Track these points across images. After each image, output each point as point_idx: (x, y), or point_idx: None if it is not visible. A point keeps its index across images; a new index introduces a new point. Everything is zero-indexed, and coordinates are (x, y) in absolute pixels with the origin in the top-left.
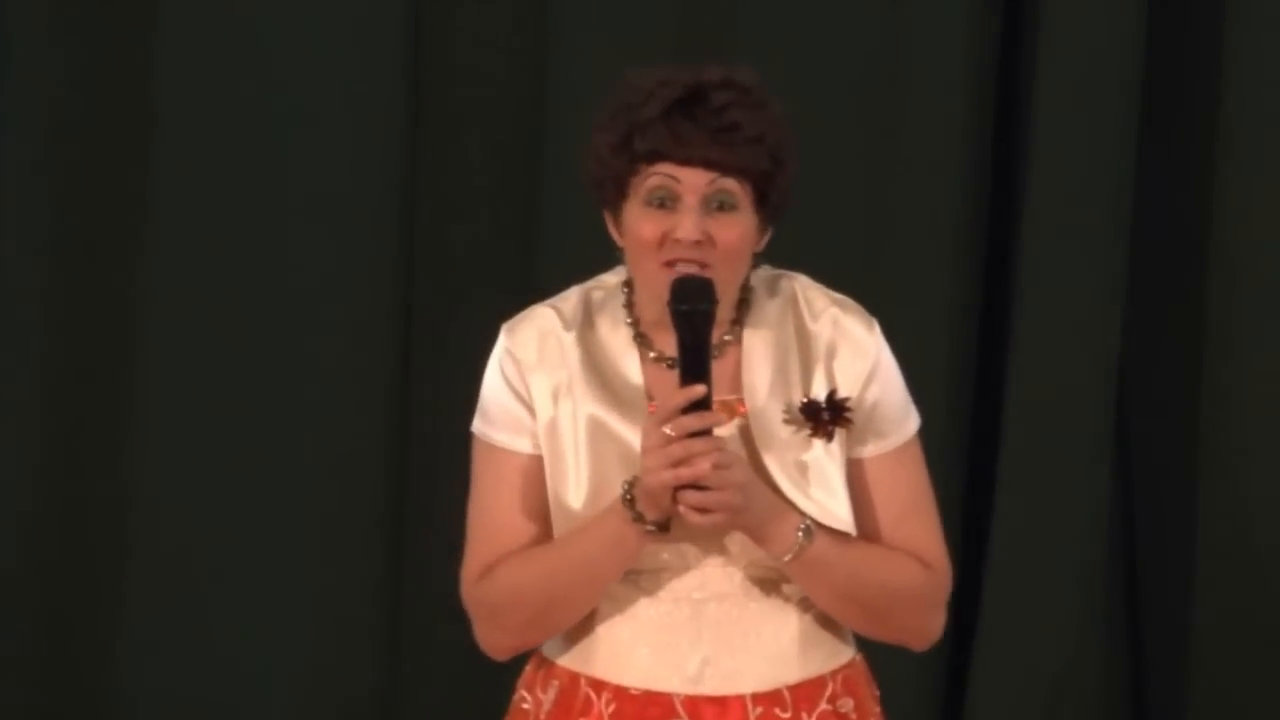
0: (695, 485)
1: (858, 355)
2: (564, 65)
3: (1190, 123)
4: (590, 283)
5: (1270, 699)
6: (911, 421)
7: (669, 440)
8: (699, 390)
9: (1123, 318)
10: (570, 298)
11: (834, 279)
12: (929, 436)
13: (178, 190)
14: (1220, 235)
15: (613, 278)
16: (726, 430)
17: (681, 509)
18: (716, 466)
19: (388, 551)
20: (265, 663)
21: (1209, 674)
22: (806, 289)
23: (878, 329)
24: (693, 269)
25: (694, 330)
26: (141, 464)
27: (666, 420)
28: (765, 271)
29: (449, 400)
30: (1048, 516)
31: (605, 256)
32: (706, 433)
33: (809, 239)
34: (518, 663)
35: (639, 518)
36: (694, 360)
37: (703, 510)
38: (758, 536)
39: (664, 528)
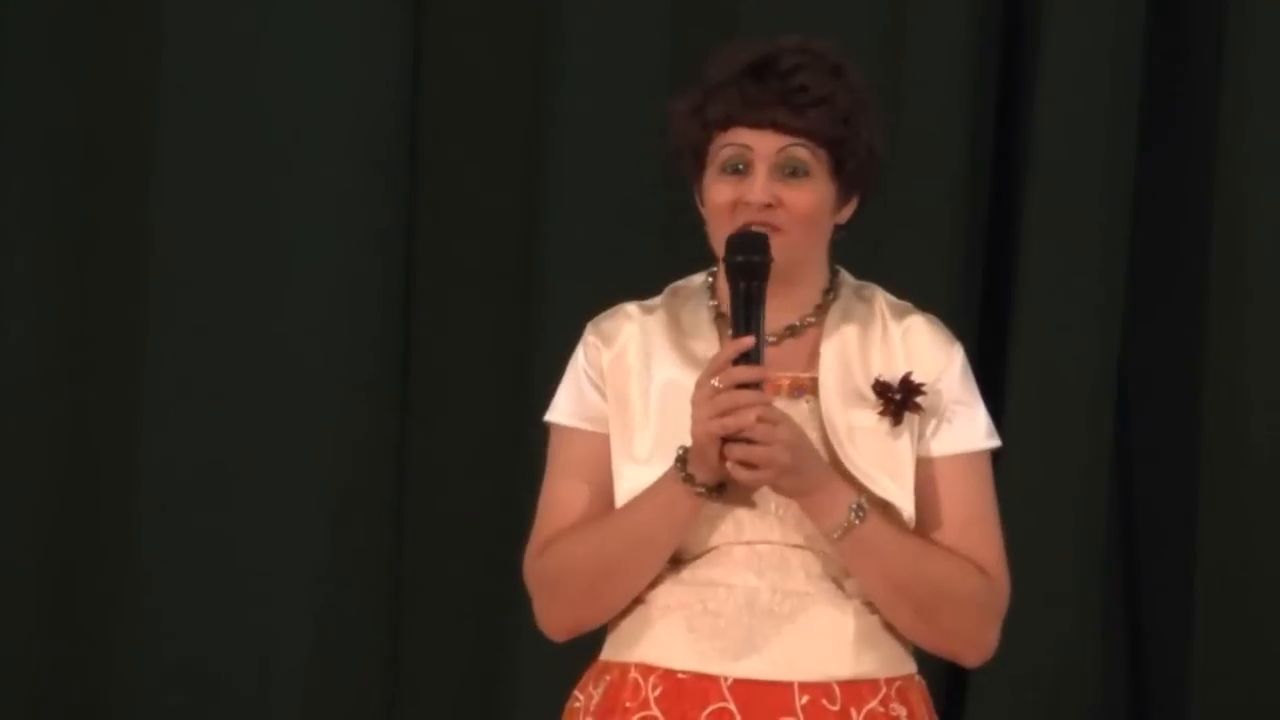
0: (743, 439)
1: (937, 356)
2: (564, 65)
3: (1190, 123)
4: (678, 282)
5: (1271, 699)
6: (988, 436)
7: (716, 392)
8: (747, 341)
9: (1123, 318)
10: (657, 297)
11: None
12: None
13: (178, 190)
14: (1221, 235)
15: (698, 277)
16: (797, 409)
17: (728, 464)
18: (763, 420)
19: (388, 551)
20: (265, 662)
21: (1209, 674)
22: (892, 301)
23: (960, 348)
24: (764, 232)
25: (746, 280)
26: (142, 463)
27: (715, 373)
28: (851, 278)
29: (449, 400)
30: (1047, 516)
31: (606, 257)
32: (756, 387)
33: None
34: (517, 666)
35: (689, 478)
36: (746, 312)
37: (748, 464)
38: (806, 506)
39: (716, 490)
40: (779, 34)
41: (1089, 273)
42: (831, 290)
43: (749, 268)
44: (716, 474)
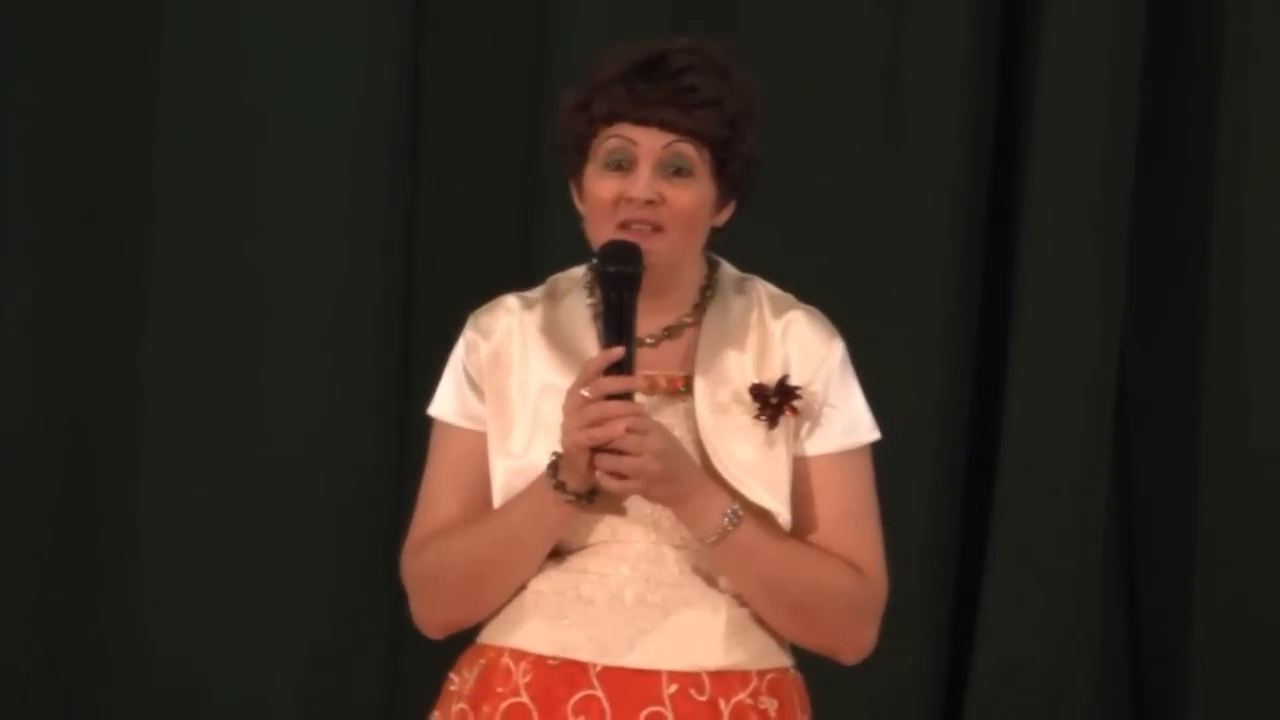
0: (614, 450)
1: (815, 355)
2: (564, 65)
3: (1190, 123)
4: (559, 274)
5: (1271, 699)
6: (866, 433)
7: (586, 402)
8: (617, 352)
9: (1123, 318)
10: (538, 289)
11: (833, 279)
12: (930, 440)
13: (179, 190)
14: (1221, 235)
15: (579, 269)
16: (673, 409)
17: (598, 474)
18: (633, 431)
19: (387, 551)
20: (265, 662)
21: (1209, 674)
22: (773, 293)
23: (840, 341)
24: (646, 228)
25: (618, 291)
26: (142, 463)
27: (585, 383)
28: (732, 270)
29: None
30: (1047, 517)
31: None
32: (627, 397)
33: (808, 239)
34: None
35: (560, 485)
36: (616, 323)
37: (618, 475)
38: (680, 513)
39: (586, 498)
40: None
41: (1089, 273)
42: (710, 287)
43: (620, 278)
44: (587, 482)
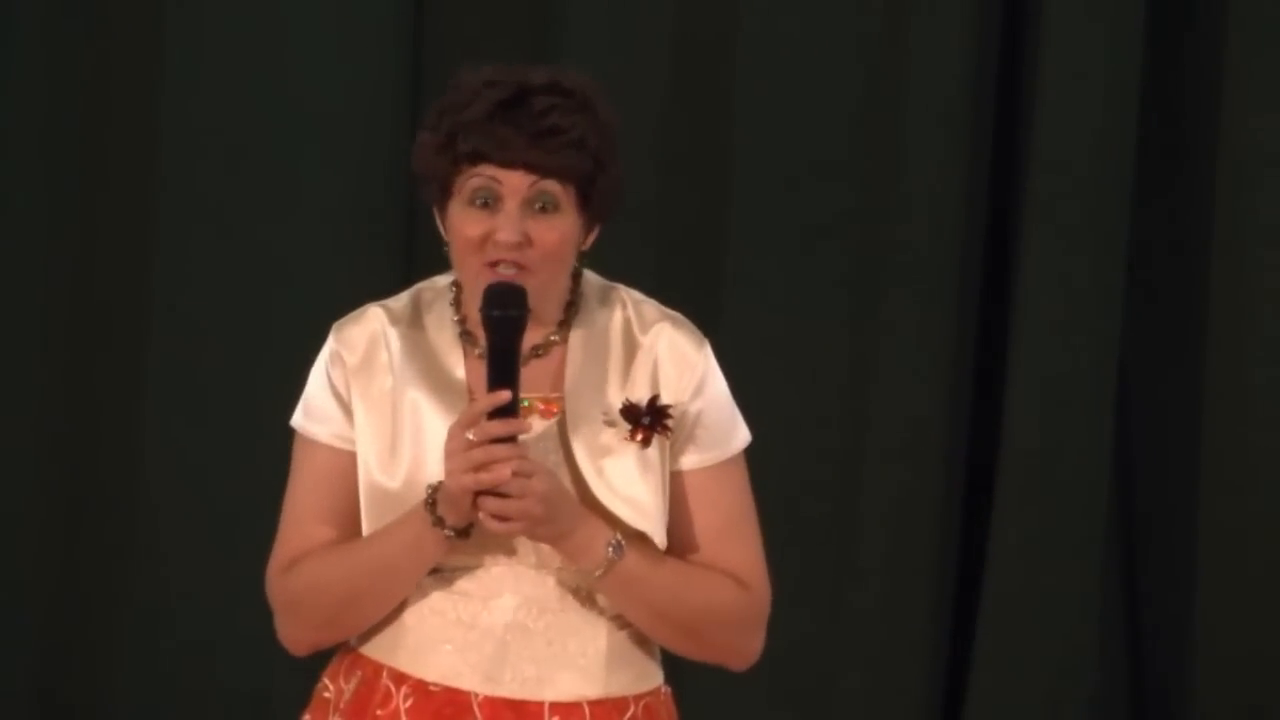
0: (497, 492)
1: (684, 368)
2: (565, 66)
3: (1191, 123)
4: (423, 283)
5: (1271, 699)
6: (737, 440)
7: (471, 445)
8: (504, 396)
9: (1123, 318)
10: (402, 297)
11: (833, 279)
12: (930, 438)
13: (180, 190)
14: (1221, 235)
15: (444, 278)
16: (543, 428)
17: (481, 515)
18: (518, 474)
19: None
20: (265, 662)
21: (1209, 674)
22: (638, 303)
23: (708, 348)
24: (512, 271)
25: (503, 336)
26: (143, 463)
27: (470, 424)
28: (596, 280)
29: None
30: (1048, 517)
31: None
32: (511, 439)
33: (809, 239)
34: None
35: (439, 521)
36: (502, 366)
37: (502, 518)
38: (563, 549)
39: (464, 533)
40: (530, 66)
41: (1089, 273)
42: (574, 302)
43: (506, 323)
44: (467, 519)
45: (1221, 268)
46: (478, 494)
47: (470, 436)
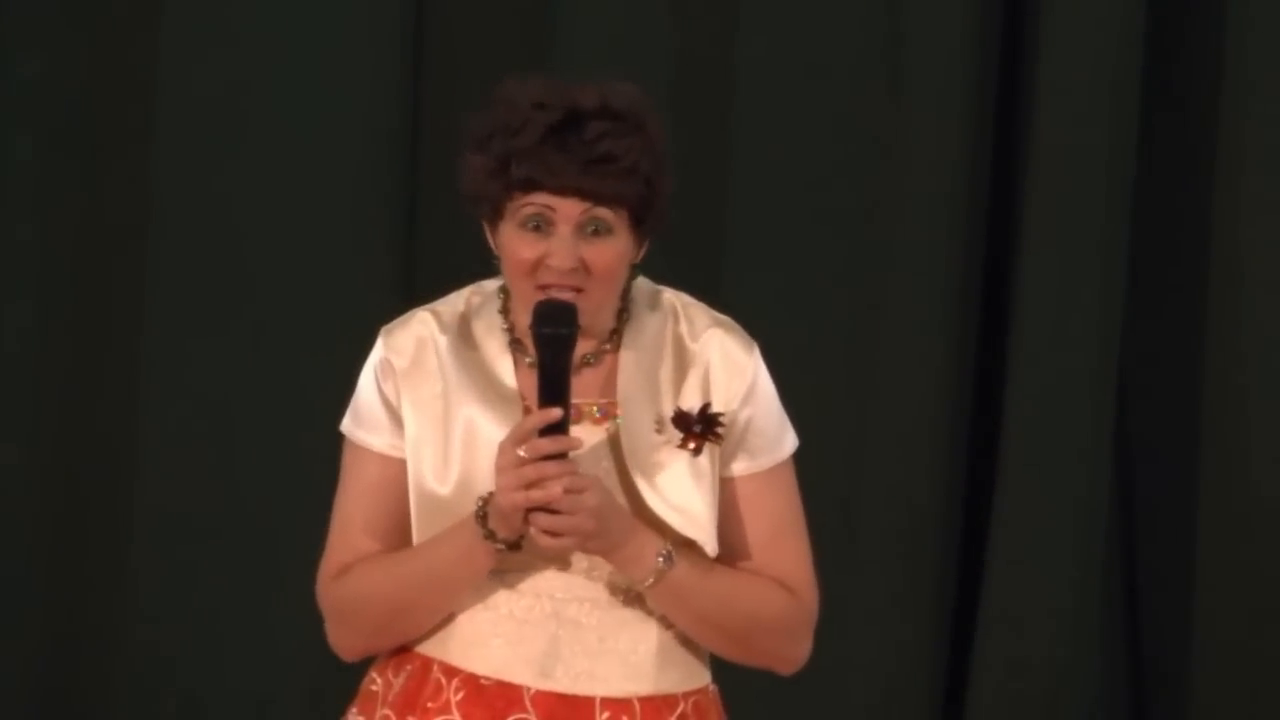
0: (548, 508)
1: (734, 375)
2: (565, 65)
3: (1190, 123)
4: (471, 287)
5: (1271, 700)
6: (786, 446)
7: (522, 461)
8: (555, 414)
9: (1123, 318)
10: (450, 302)
11: (833, 278)
12: (929, 437)
13: (179, 190)
14: (1220, 235)
15: (492, 284)
16: (594, 436)
17: (532, 531)
18: (569, 491)
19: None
20: (266, 662)
21: (1209, 674)
22: (688, 306)
23: (757, 352)
24: (567, 294)
25: (554, 354)
26: (143, 463)
27: (521, 441)
28: (646, 285)
29: None
30: (1047, 517)
31: None
32: (561, 456)
33: (809, 239)
34: None
35: (490, 535)
36: (553, 383)
37: (553, 533)
38: (614, 561)
39: (515, 546)
40: (580, 84)
41: (1089, 273)
42: (625, 309)
43: (557, 340)
44: (518, 533)
45: (1221, 267)
46: (529, 510)
47: (521, 453)
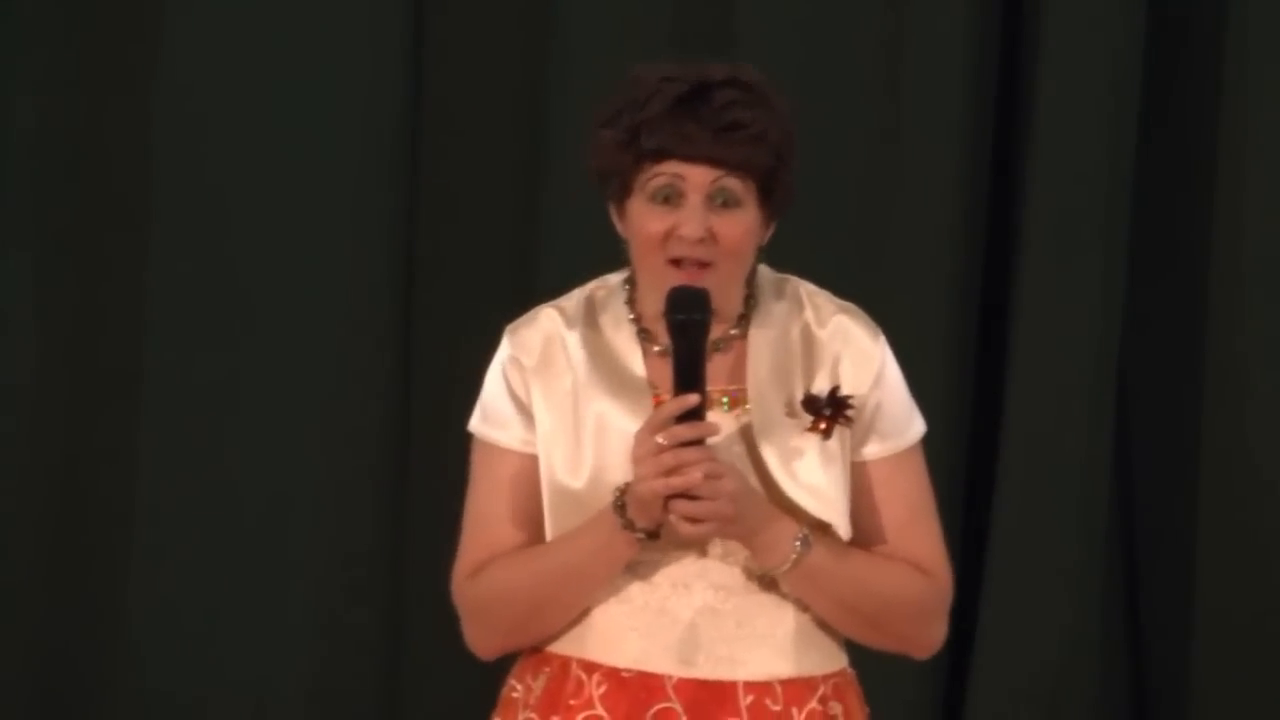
0: (686, 495)
1: (862, 360)
2: (564, 64)
3: (1190, 123)
4: (594, 283)
5: (1271, 700)
6: (915, 429)
7: (661, 449)
8: (692, 400)
9: (1123, 318)
10: (574, 298)
11: (833, 279)
12: (929, 437)
13: (179, 190)
14: (1221, 235)
15: (616, 277)
16: (727, 423)
17: (672, 518)
18: (709, 476)
19: (388, 551)
20: (266, 662)
21: (1209, 674)
22: (813, 294)
23: (883, 339)
24: (695, 268)
25: (689, 339)
26: (143, 463)
27: (659, 429)
28: (769, 273)
29: (449, 401)
30: (1047, 517)
31: (606, 255)
32: (699, 442)
33: (809, 239)
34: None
35: (629, 524)
36: (688, 369)
37: (693, 520)
38: (752, 547)
39: (654, 535)
40: (706, 61)
41: (1089, 272)
42: (752, 296)
43: (691, 326)
44: (657, 522)
45: (1221, 267)
46: (668, 498)
47: (659, 440)
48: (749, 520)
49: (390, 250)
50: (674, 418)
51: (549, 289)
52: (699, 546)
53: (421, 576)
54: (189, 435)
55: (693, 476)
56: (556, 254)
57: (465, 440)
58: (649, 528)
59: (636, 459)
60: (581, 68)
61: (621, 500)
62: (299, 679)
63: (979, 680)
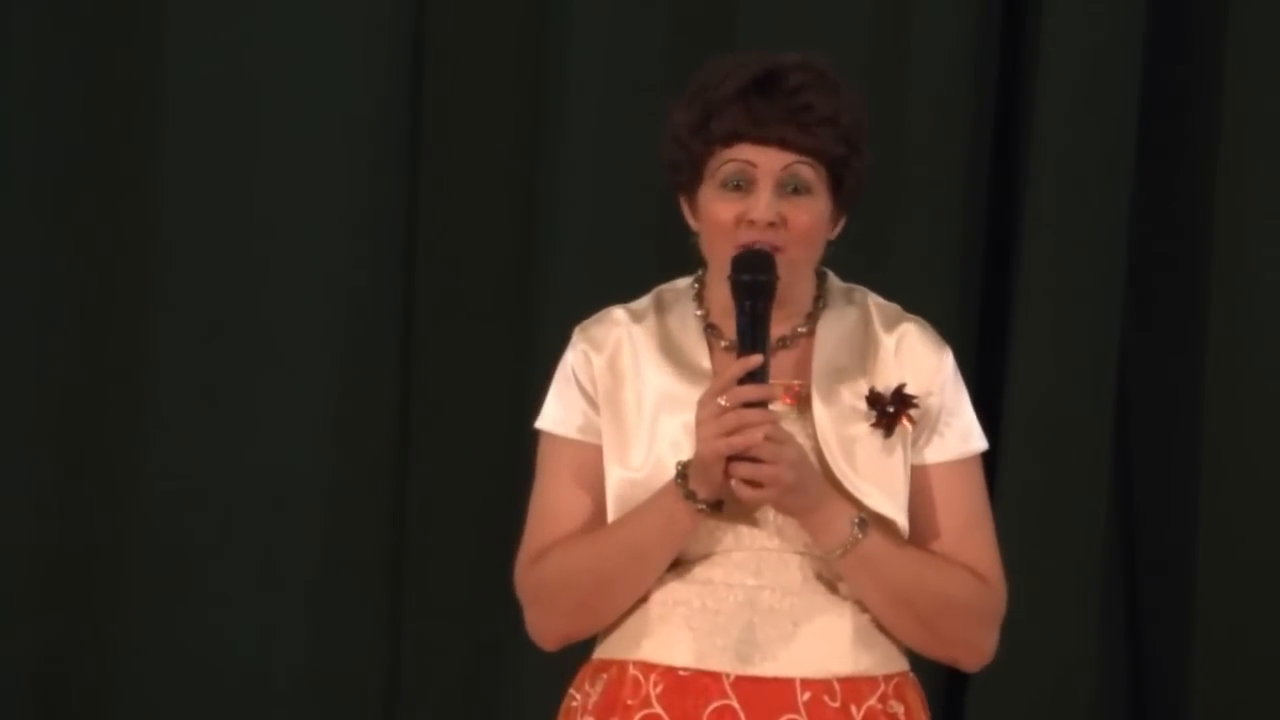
0: (748, 458)
1: (927, 367)
2: (564, 65)
3: (1190, 122)
4: (663, 285)
5: (1271, 700)
6: (977, 442)
7: (723, 410)
8: (755, 360)
9: (1123, 317)
10: (642, 300)
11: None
12: None
13: (180, 190)
14: (1220, 234)
15: (683, 280)
16: (790, 416)
17: (733, 482)
18: (770, 439)
19: (388, 551)
20: (266, 662)
21: (1209, 675)
22: (881, 305)
23: (949, 353)
24: (769, 250)
25: (753, 300)
26: (143, 463)
27: (721, 391)
28: (839, 282)
29: (449, 401)
30: (1047, 517)
31: (606, 255)
32: (762, 405)
33: None
34: (518, 665)
35: (690, 495)
36: (752, 331)
37: (753, 483)
38: (809, 524)
39: (716, 507)
40: (777, 49)
41: (1089, 274)
42: (821, 297)
43: (755, 287)
44: (718, 491)
45: (1221, 267)
46: (730, 460)
47: (722, 402)
48: (808, 493)
49: (390, 250)
50: (737, 380)
51: (549, 289)
52: (754, 544)
53: (421, 576)
54: (188, 434)
55: (754, 435)
56: (556, 254)
57: (464, 440)
58: (710, 497)
59: (699, 421)
60: (581, 68)
61: (683, 471)
62: (299, 679)
63: (979, 681)
